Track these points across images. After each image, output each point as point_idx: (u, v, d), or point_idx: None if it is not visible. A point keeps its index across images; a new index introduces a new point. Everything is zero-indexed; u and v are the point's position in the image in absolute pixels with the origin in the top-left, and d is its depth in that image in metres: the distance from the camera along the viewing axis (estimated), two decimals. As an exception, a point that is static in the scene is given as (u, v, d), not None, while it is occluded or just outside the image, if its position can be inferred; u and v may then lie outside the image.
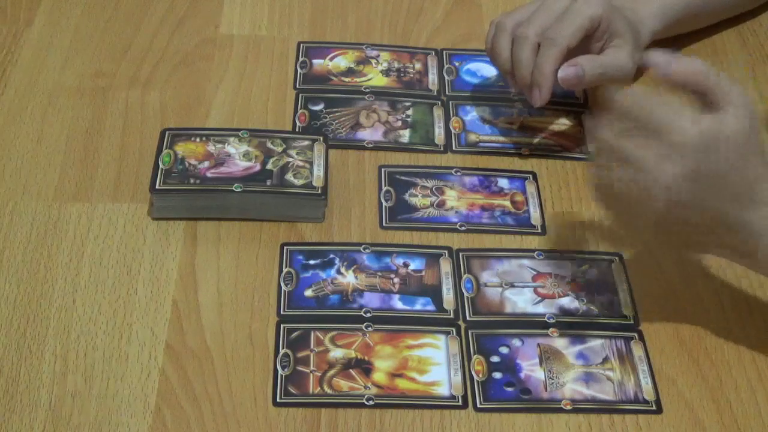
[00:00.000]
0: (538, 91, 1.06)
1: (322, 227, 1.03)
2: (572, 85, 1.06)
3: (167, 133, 1.07)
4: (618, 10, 1.09)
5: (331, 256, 1.01)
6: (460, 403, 0.90)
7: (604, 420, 0.90)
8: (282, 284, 0.98)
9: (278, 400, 0.89)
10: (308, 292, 0.97)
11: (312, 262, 1.00)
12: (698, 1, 1.17)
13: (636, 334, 0.96)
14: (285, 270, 0.99)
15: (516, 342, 0.95)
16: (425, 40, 1.25)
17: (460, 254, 1.02)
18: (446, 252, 1.02)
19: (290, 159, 1.05)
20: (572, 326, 0.96)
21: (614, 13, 1.08)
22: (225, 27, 1.25)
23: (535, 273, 1.01)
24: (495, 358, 0.93)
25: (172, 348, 0.92)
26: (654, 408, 0.91)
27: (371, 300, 0.97)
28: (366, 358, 0.93)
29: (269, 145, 1.07)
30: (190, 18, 1.26)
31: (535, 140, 1.13)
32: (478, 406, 0.90)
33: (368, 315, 0.96)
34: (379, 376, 0.92)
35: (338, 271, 0.99)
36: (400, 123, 1.14)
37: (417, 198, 1.07)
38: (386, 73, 1.20)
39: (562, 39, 1.04)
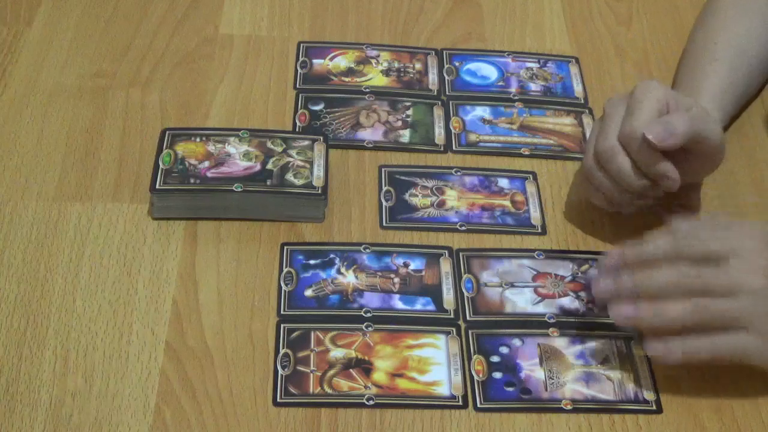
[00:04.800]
0: (665, 177, 0.96)
1: (322, 227, 1.03)
2: (665, 139, 0.95)
3: (167, 133, 1.07)
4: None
5: (332, 256, 1.01)
6: (460, 403, 0.90)
7: (604, 420, 0.90)
8: (282, 284, 0.98)
9: (278, 399, 0.89)
10: (308, 292, 0.97)
11: (312, 262, 1.00)
12: (742, 78, 1.12)
13: (636, 334, 0.96)
14: (285, 270, 0.99)
15: (516, 342, 0.95)
16: (425, 40, 1.25)
17: (460, 254, 1.02)
18: (446, 252, 1.02)
19: (290, 159, 1.05)
20: (572, 326, 0.96)
21: (677, 94, 1.00)
22: (225, 27, 1.25)
23: (535, 273, 1.01)
24: (495, 358, 0.93)
25: (172, 348, 0.92)
26: (654, 408, 0.91)
27: (371, 300, 0.97)
28: (366, 357, 0.93)
29: (269, 145, 1.07)
30: (190, 18, 1.26)
31: (535, 140, 1.13)
32: (478, 406, 0.90)
33: (368, 315, 0.96)
34: (379, 376, 0.92)
35: (338, 271, 0.99)
36: (400, 123, 1.14)
37: (417, 198, 1.07)
38: (386, 73, 1.20)
39: (642, 123, 0.96)
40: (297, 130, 1.12)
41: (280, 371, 0.91)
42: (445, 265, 1.00)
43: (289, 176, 1.04)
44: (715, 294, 0.88)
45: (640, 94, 0.98)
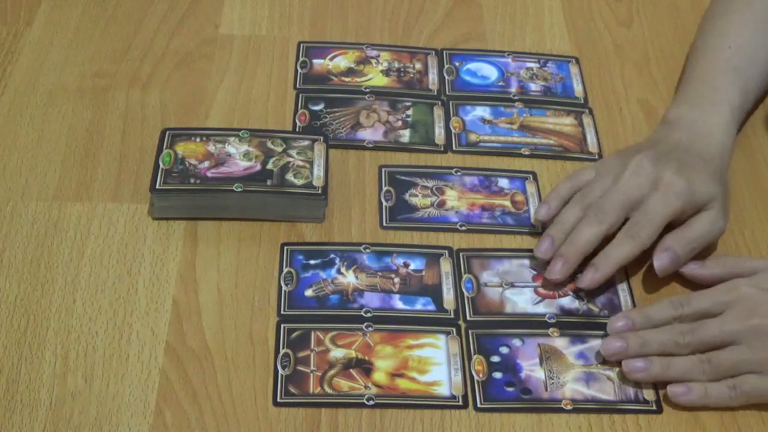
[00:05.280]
0: (594, 272, 0.97)
1: (322, 227, 1.03)
2: (669, 271, 0.97)
3: (167, 133, 1.07)
4: (699, 182, 0.99)
5: (332, 256, 1.01)
6: (460, 403, 0.90)
7: (605, 420, 0.90)
8: (282, 284, 0.98)
9: (278, 400, 0.89)
10: (308, 292, 0.97)
11: (312, 262, 1.00)
12: (753, 87, 1.12)
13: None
14: (285, 270, 0.99)
15: (516, 342, 0.95)
16: (425, 40, 1.25)
17: (461, 254, 1.02)
18: (446, 252, 1.02)
19: (290, 159, 1.05)
20: (572, 326, 0.96)
21: (697, 192, 0.99)
22: (225, 27, 1.25)
23: (535, 273, 1.00)
24: (495, 358, 0.93)
25: (172, 348, 0.92)
26: (654, 408, 0.91)
27: (371, 300, 0.97)
28: (366, 358, 0.93)
29: (269, 145, 1.07)
30: (190, 18, 1.26)
31: (535, 140, 1.13)
32: (479, 406, 0.90)
33: (368, 315, 0.96)
34: (379, 376, 0.92)
35: (338, 271, 0.99)
36: (400, 123, 1.14)
37: (417, 198, 1.07)
38: (386, 73, 1.20)
39: (646, 239, 0.97)
40: (297, 130, 1.12)
41: (281, 371, 0.91)
42: (445, 265, 1.00)
43: (289, 176, 1.04)
44: (716, 346, 0.90)
45: (665, 208, 0.98)
